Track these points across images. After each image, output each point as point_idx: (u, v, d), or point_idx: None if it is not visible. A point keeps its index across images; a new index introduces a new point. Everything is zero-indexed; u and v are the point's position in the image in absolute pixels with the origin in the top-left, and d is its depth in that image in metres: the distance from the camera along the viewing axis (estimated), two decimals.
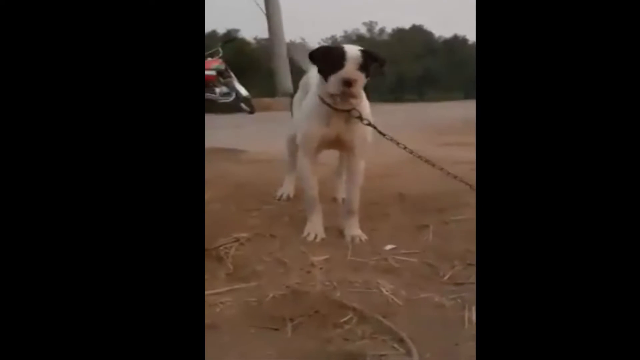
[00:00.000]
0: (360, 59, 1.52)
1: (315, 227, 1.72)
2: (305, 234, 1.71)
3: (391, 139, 1.75)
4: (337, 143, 1.72)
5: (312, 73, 2.03)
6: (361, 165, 1.75)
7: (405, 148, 1.77)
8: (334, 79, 1.52)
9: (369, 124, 1.68)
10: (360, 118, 1.65)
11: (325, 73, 1.57)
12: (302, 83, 2.07)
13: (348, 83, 1.51)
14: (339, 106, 1.61)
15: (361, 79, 1.55)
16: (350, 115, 1.64)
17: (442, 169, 1.78)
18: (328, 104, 1.62)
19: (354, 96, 1.55)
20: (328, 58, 1.56)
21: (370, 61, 1.56)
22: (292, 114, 2.13)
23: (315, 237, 1.69)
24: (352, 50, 1.54)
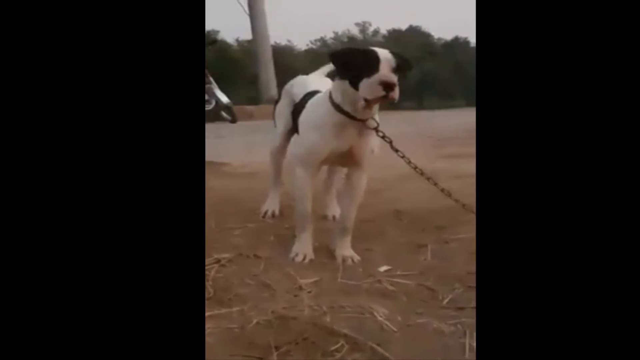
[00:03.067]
0: (393, 61, 1.52)
1: (303, 247, 1.73)
2: (292, 254, 1.72)
3: (403, 156, 1.76)
4: (345, 156, 1.71)
5: (298, 79, 2.06)
6: (364, 180, 1.76)
7: (415, 168, 1.78)
8: (370, 82, 1.49)
9: (384, 137, 1.69)
10: (377, 129, 1.66)
11: (353, 78, 1.54)
12: (285, 90, 2.09)
13: (390, 86, 1.48)
14: (359, 115, 1.61)
15: (396, 82, 1.52)
16: (366, 125, 1.64)
17: (444, 190, 1.81)
18: (346, 113, 1.61)
19: (393, 100, 1.52)
20: (358, 60, 1.54)
21: (401, 63, 1.55)
22: (275, 124, 2.16)
23: (304, 258, 1.70)
24: (384, 52, 1.54)
